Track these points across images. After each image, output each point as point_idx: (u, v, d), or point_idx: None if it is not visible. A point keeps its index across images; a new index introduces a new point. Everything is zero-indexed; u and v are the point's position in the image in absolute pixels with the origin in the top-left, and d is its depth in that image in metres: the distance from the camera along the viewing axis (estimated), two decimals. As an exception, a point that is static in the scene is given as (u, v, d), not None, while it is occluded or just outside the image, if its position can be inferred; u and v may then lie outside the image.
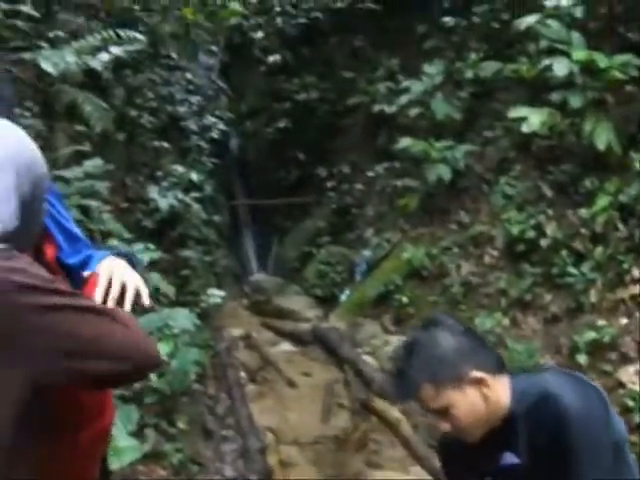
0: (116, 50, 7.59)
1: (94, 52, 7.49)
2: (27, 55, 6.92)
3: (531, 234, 8.50)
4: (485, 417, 2.24)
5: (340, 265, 11.60)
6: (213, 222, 11.02)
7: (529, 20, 8.95)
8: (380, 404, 7.76)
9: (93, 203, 6.45)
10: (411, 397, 2.27)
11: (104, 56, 7.41)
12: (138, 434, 5.10)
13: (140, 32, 10.43)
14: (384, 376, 8.06)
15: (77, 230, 2.25)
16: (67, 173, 6.50)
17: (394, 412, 7.50)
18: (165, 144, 10.34)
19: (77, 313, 1.59)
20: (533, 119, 8.44)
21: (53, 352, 1.52)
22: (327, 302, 11.39)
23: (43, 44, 7.30)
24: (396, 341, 9.02)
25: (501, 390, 2.27)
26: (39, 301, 1.50)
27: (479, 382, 2.23)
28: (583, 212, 8.12)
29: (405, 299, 9.57)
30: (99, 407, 1.97)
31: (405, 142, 10.40)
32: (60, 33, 8.27)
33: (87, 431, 1.89)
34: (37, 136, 6.94)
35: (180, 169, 9.89)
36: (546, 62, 8.55)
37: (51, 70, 6.60)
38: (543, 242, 8.34)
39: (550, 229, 8.39)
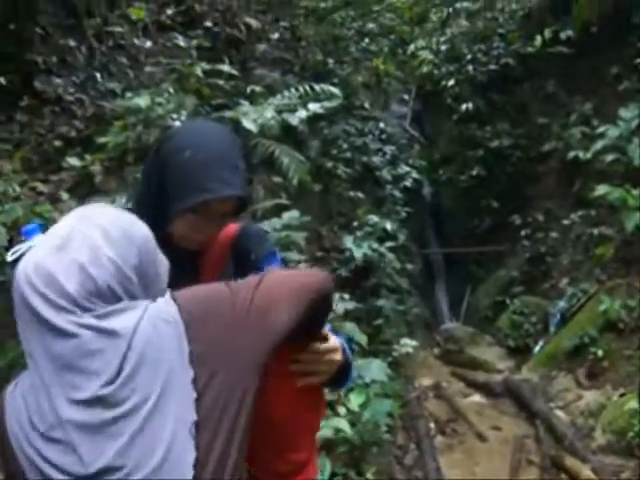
0: (314, 107, 7.99)
1: (292, 108, 7.94)
2: (228, 113, 7.45)
3: None
4: None
5: (534, 315, 11.51)
6: (406, 271, 11.27)
7: None
8: (571, 461, 7.62)
9: (292, 256, 6.81)
10: None
11: (302, 113, 7.82)
12: (327, 484, 5.31)
13: (333, 84, 10.99)
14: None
15: None
16: (266, 225, 6.90)
17: (585, 470, 7.35)
18: (360, 194, 10.75)
19: None
20: None
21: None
22: (520, 353, 11.30)
23: (242, 101, 7.83)
24: (590, 396, 8.94)
25: None
26: None
27: None
28: None
29: (600, 352, 9.39)
30: (306, 460, 2.12)
31: (601, 189, 10.27)
32: (257, 88, 8.86)
33: None
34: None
35: (375, 218, 10.20)
36: None
37: (252, 128, 7.07)
38: None
39: None
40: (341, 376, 2.19)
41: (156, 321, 1.64)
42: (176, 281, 2.02)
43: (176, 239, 2.21)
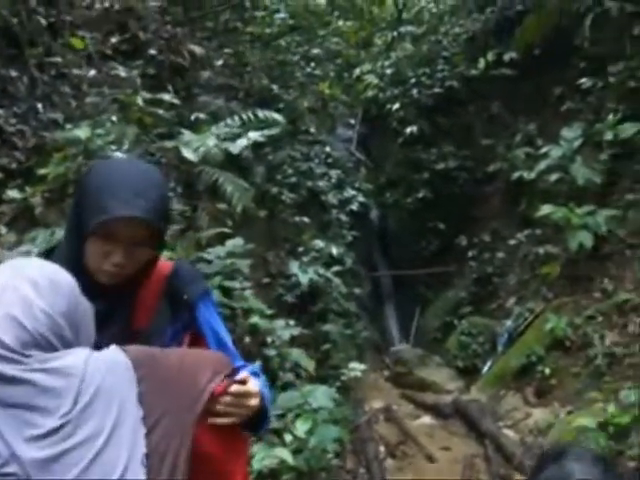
0: (254, 135, 8.05)
1: (234, 137, 7.98)
2: (169, 143, 7.47)
3: (678, 300, 8.40)
4: None
5: (482, 336, 11.65)
6: (354, 294, 11.33)
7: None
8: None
9: (235, 284, 6.83)
10: None
11: (243, 141, 7.87)
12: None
13: (278, 109, 11.05)
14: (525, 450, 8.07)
15: (228, 340, 2.49)
16: (208, 256, 6.92)
17: (535, 488, 7.42)
18: (305, 219, 10.80)
19: None
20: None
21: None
22: (469, 374, 11.43)
23: (184, 130, 7.85)
24: (538, 414, 9.04)
25: None
26: None
27: None
28: None
29: (548, 370, 9.52)
30: None
31: (545, 209, 10.44)
32: (201, 115, 8.89)
33: None
34: (181, 216, 7.48)
35: (320, 243, 10.26)
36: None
37: (192, 157, 7.12)
38: (691, 309, 8.23)
39: (699, 295, 8.28)
40: (258, 420, 2.21)
41: (107, 360, 1.77)
42: (110, 320, 2.04)
43: (91, 271, 2.19)
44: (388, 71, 15.32)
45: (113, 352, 1.81)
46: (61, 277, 1.86)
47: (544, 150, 11.23)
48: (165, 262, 2.48)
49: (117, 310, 2.26)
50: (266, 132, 8.47)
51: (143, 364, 1.81)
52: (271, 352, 7.25)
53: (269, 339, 7.31)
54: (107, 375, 1.72)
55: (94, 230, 2.11)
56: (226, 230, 7.60)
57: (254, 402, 2.12)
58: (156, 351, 1.93)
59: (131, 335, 2.19)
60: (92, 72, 7.84)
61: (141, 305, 2.35)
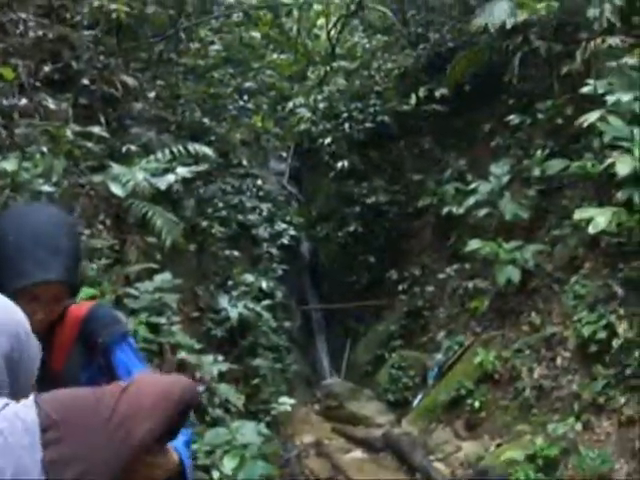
0: (183, 170, 8.04)
1: (162, 172, 7.96)
2: (97, 178, 7.42)
3: (603, 335, 8.53)
4: None
5: (412, 369, 11.75)
6: (284, 328, 11.33)
7: (591, 118, 9.23)
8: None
9: (162, 319, 6.80)
10: None
11: (171, 177, 7.85)
12: None
13: (210, 142, 11.05)
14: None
15: None
16: (135, 291, 6.87)
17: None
18: (235, 252, 10.78)
19: None
20: (599, 219, 8.60)
21: None
22: (399, 407, 11.52)
23: (113, 164, 7.80)
24: (469, 447, 9.13)
25: None
26: None
27: None
28: (655, 311, 8.21)
29: (477, 404, 9.65)
30: None
31: (474, 244, 10.63)
32: (132, 147, 8.85)
33: None
34: (110, 250, 7.42)
35: (250, 277, 10.26)
36: (609, 160, 8.79)
37: (119, 193, 7.08)
38: (615, 342, 8.38)
39: (622, 329, 8.44)
40: None
41: (8, 418, 1.56)
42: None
43: None
44: (321, 105, 15.45)
45: (20, 408, 1.59)
46: (8, 313, 1.71)
47: (473, 186, 11.46)
48: (82, 305, 2.48)
49: None
50: (194, 168, 8.49)
51: (57, 422, 1.60)
52: (200, 388, 7.19)
53: (198, 374, 7.25)
54: (8, 436, 1.52)
55: (14, 293, 2.06)
56: (153, 265, 7.54)
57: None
58: (80, 397, 1.73)
59: (50, 378, 2.14)
60: (23, 101, 7.76)
61: (57, 349, 2.35)
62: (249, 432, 6.37)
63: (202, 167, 8.90)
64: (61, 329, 2.37)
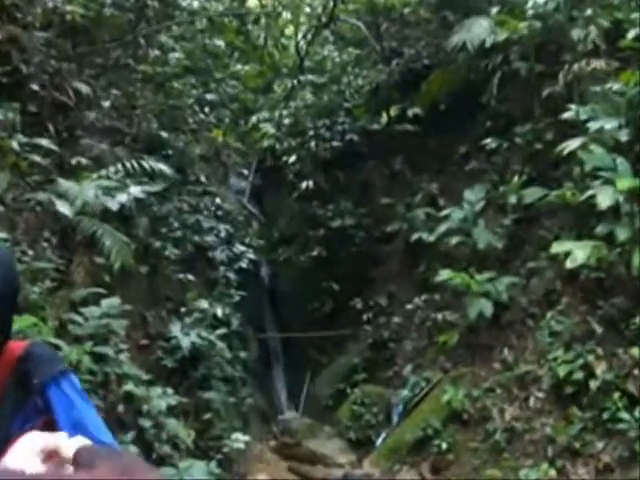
0: (136, 190, 7.91)
1: (114, 189, 7.82)
2: (43, 196, 7.26)
3: (579, 375, 8.51)
4: None
5: (376, 406, 11.60)
6: (239, 358, 11.16)
7: (572, 145, 9.25)
8: None
9: (108, 349, 6.65)
10: None
11: (123, 197, 7.72)
12: None
13: (167, 156, 10.90)
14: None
15: (91, 423, 2.40)
16: (79, 318, 6.72)
17: None
18: (190, 276, 10.61)
19: None
20: (577, 253, 8.59)
21: None
22: (361, 446, 11.34)
23: (61, 180, 7.64)
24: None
25: None
26: None
27: None
28: (635, 351, 8.16)
29: (445, 445, 9.54)
30: None
31: (445, 274, 10.55)
32: (83, 160, 8.68)
33: None
34: (55, 271, 7.25)
35: (205, 303, 10.11)
36: (590, 192, 8.78)
37: (66, 212, 6.93)
38: (593, 384, 8.34)
39: (600, 369, 8.41)
40: None
41: None
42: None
43: None
44: (286, 121, 15.37)
45: None
46: None
47: (446, 212, 11.41)
48: (18, 344, 2.38)
49: None
50: (149, 188, 8.38)
51: None
52: (147, 422, 7.06)
53: (145, 408, 7.11)
54: None
55: None
56: (101, 290, 7.39)
57: None
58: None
59: None
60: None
61: None
62: (199, 472, 6.27)
63: (157, 187, 8.75)
64: None
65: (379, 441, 11.04)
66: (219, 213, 13.03)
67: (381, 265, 13.74)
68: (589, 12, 9.98)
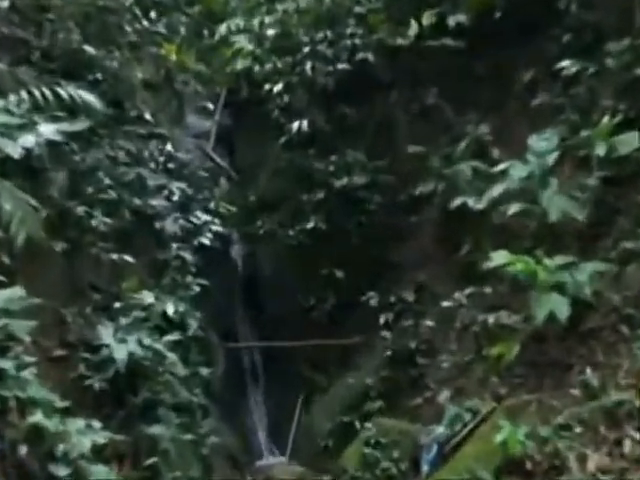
0: (48, 129, 7.81)
1: (15, 129, 7.71)
2: None
3: (695, 407, 8.46)
4: None
5: (397, 448, 11.52)
6: (199, 377, 11.12)
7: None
8: None
9: (7, 362, 6.57)
10: None
11: (28, 140, 7.62)
12: None
13: (95, 82, 10.79)
14: None
15: None
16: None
17: None
18: (128, 257, 10.50)
19: None
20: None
21: None
22: (376, 508, 11.35)
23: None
24: None
25: None
26: None
27: None
28: None
29: (499, 508, 9.51)
30: None
31: (499, 257, 10.38)
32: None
33: None
34: None
35: (149, 297, 10.04)
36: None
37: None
38: None
39: None
40: None
41: None
42: None
43: None
44: (270, 32, 15.25)
45: None
46: None
47: (502, 167, 11.22)
48: None
49: None
50: (67, 127, 8.26)
51: None
52: (62, 470, 6.94)
53: (59, 449, 6.99)
54: None
55: None
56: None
57: None
58: None
59: None
60: None
61: None
62: None
63: (80, 126, 8.64)
64: None
65: (402, 501, 11.04)
66: (171, 166, 13.01)
67: (406, 244, 13.72)
68: None
